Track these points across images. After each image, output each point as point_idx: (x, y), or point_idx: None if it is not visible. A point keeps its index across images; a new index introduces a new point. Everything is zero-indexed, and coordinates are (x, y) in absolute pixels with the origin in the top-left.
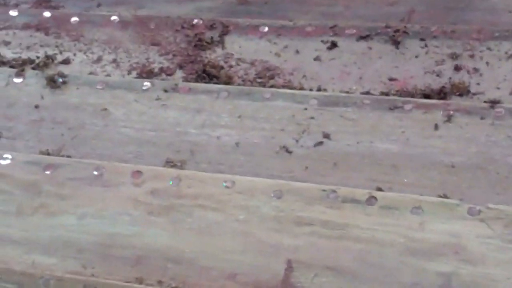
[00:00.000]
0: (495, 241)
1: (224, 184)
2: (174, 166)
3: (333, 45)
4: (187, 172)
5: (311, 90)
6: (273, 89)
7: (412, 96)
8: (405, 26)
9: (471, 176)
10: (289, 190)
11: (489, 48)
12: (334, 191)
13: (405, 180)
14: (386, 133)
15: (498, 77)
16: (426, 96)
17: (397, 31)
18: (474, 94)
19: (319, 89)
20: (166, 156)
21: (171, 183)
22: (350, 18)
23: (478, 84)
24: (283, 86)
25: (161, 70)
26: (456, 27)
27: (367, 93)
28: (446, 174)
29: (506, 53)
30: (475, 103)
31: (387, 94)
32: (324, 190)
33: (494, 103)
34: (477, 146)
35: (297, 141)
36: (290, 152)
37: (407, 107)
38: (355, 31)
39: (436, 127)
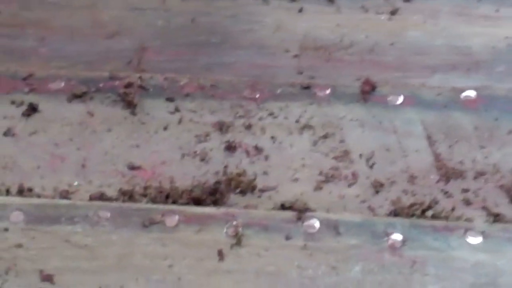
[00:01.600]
0: None
1: None
2: None
3: (32, 109)
4: None
5: (8, 191)
6: None
7: (173, 199)
8: (140, 77)
9: None
10: None
11: (272, 114)
12: None
13: None
14: (143, 270)
15: (293, 162)
16: (195, 201)
17: (129, 85)
18: (262, 191)
19: (21, 190)
20: None
21: None
22: (50, 59)
23: (265, 173)
24: None
25: None
26: (218, 80)
27: (101, 196)
28: None
29: (297, 121)
30: (273, 213)
31: (130, 195)
32: None
33: (301, 211)
34: (287, 286)
35: None
36: None
37: (171, 221)
38: (63, 84)
39: (221, 255)
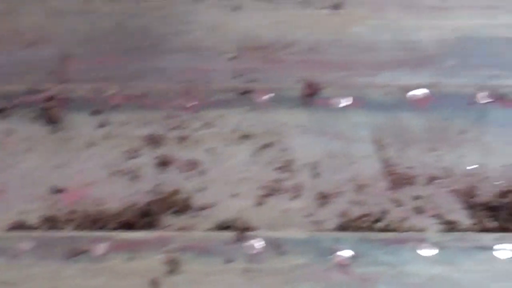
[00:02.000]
0: None
1: None
2: None
3: None
4: None
5: None
6: None
7: (101, 224)
8: (63, 89)
9: None
10: None
11: (207, 123)
12: None
13: None
14: None
15: (232, 175)
16: (126, 225)
17: (50, 98)
18: (199, 209)
19: None
20: None
21: None
22: None
23: (202, 190)
24: None
25: None
26: (148, 88)
27: (21, 225)
28: None
29: (233, 131)
30: (211, 234)
31: (53, 221)
32: None
33: (241, 230)
34: None
35: None
36: None
37: (99, 249)
38: None
39: (155, 285)
